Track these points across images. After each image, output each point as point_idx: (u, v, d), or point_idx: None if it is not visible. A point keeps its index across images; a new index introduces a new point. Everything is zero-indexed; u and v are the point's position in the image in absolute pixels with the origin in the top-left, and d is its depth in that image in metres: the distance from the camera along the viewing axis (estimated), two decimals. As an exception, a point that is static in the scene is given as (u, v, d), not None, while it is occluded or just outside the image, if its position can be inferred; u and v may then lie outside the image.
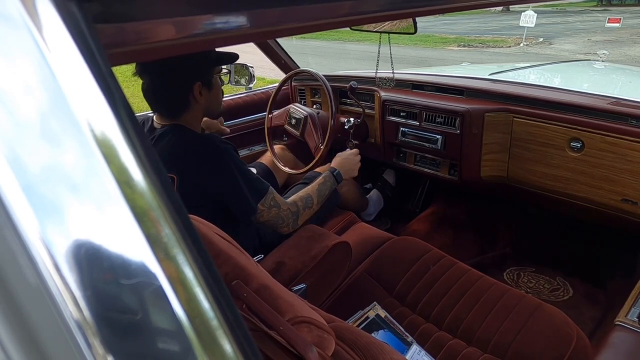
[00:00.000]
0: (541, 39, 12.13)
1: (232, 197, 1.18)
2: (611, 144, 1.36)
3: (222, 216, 1.20)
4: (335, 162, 1.54)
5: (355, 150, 1.62)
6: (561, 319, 1.09)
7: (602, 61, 2.44)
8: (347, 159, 1.55)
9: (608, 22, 9.41)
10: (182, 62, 1.16)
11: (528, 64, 2.34)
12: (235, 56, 1.31)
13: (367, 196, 2.08)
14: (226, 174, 1.16)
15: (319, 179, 1.43)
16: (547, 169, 1.51)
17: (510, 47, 11.48)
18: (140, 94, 1.20)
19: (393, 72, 1.74)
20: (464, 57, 9.97)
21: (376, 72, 1.76)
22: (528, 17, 9.58)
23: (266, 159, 1.86)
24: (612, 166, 1.37)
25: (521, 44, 11.46)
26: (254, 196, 1.20)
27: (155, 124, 1.24)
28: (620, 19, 9.29)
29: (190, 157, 1.17)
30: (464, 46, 11.90)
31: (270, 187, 1.25)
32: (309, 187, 1.40)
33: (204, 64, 1.21)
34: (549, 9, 19.98)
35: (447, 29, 14.96)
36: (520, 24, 9.83)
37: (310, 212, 1.35)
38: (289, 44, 2.12)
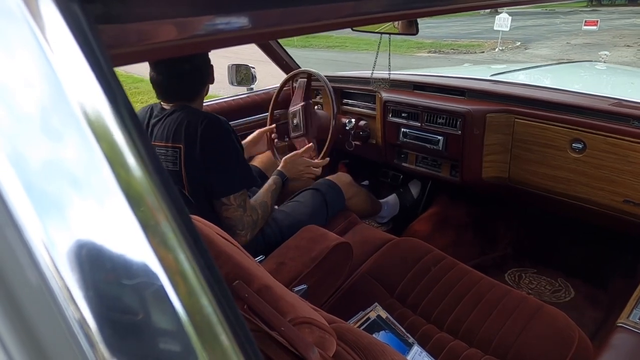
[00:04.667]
0: (518, 43, 11.60)
1: (220, 170, 1.24)
2: (613, 145, 1.35)
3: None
4: (282, 165, 1.52)
5: (304, 149, 1.57)
6: (563, 320, 1.09)
7: (604, 62, 2.44)
8: (291, 162, 1.52)
9: (585, 25, 8.83)
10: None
11: (529, 65, 2.34)
12: None
13: (384, 200, 2.05)
14: (224, 147, 1.24)
15: (269, 184, 1.44)
16: (548, 170, 1.51)
17: (483, 52, 10.98)
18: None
19: (389, 73, 1.74)
20: (430, 64, 9.44)
21: (372, 73, 1.77)
22: (502, 21, 9.00)
23: (259, 161, 1.85)
24: (614, 167, 1.37)
25: (496, 49, 10.91)
26: (240, 180, 1.27)
27: (163, 106, 1.33)
28: (597, 21, 8.73)
29: (198, 130, 1.23)
30: (434, 52, 11.25)
31: (245, 190, 1.29)
32: (263, 193, 1.41)
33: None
34: (540, 10, 19.40)
35: (429, 32, 14.30)
36: (495, 28, 9.26)
37: (264, 221, 1.37)
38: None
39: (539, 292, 1.69)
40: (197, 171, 1.25)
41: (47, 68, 0.23)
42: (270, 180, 1.46)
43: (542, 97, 1.54)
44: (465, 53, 11.04)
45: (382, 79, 1.80)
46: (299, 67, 2.14)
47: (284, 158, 1.54)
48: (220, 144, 1.24)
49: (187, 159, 1.24)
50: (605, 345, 0.91)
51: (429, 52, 11.31)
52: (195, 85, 1.32)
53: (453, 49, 11.50)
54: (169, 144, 1.25)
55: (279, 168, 1.52)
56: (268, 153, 1.84)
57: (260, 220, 1.34)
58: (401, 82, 1.87)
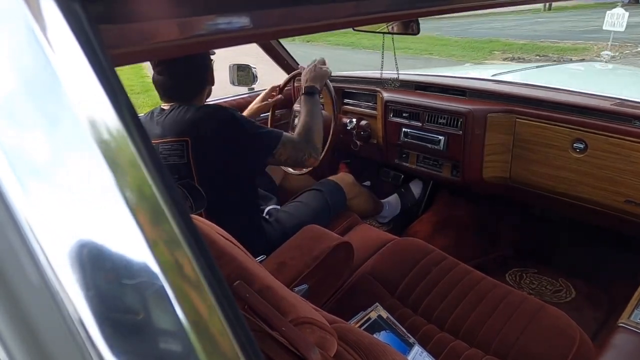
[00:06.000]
0: (640, 48, 8.11)
1: (250, 148, 1.30)
2: (615, 145, 1.35)
3: (233, 181, 1.33)
4: (303, 80, 1.53)
5: (317, 61, 1.59)
6: (564, 320, 1.09)
7: (605, 62, 2.43)
8: (311, 71, 1.54)
9: None
10: None
11: (530, 65, 2.33)
12: None
13: (385, 200, 2.05)
14: (240, 130, 1.28)
15: (302, 106, 1.46)
16: (549, 170, 1.51)
17: (583, 59, 8.01)
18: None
19: (398, 73, 1.74)
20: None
21: (381, 73, 1.77)
22: (615, 18, 6.07)
23: None
24: (616, 167, 1.36)
25: (603, 55, 7.77)
26: (270, 138, 1.32)
27: (163, 107, 1.35)
28: None
29: (206, 123, 1.27)
30: (511, 59, 8.79)
31: (283, 132, 1.35)
32: (301, 118, 1.44)
33: None
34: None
35: (531, 29, 11.09)
36: (604, 27, 6.31)
37: (319, 134, 1.41)
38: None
39: (539, 292, 1.69)
40: (210, 160, 1.28)
41: (47, 68, 0.23)
42: (303, 103, 1.47)
43: (544, 96, 1.54)
44: (554, 61, 8.01)
45: (392, 79, 1.80)
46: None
47: (303, 74, 1.54)
48: (234, 126, 1.28)
49: (196, 150, 1.26)
50: (607, 346, 0.91)
51: (505, 59, 8.89)
52: (194, 85, 1.35)
53: (539, 55, 8.85)
54: (174, 139, 1.27)
55: (305, 85, 1.51)
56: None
57: (313, 135, 1.37)
58: (403, 82, 1.87)
